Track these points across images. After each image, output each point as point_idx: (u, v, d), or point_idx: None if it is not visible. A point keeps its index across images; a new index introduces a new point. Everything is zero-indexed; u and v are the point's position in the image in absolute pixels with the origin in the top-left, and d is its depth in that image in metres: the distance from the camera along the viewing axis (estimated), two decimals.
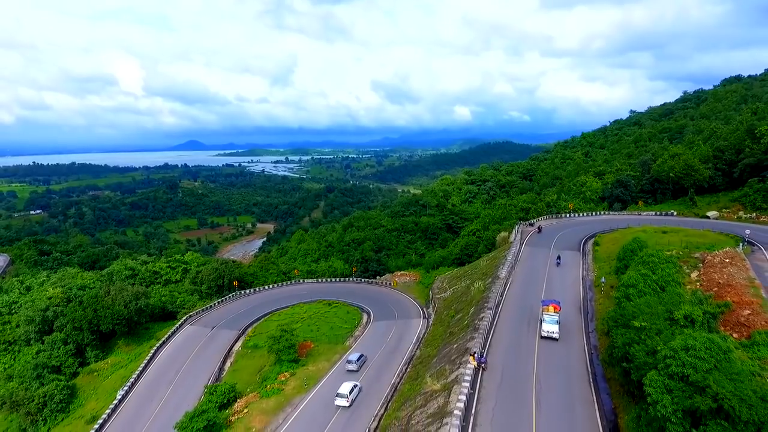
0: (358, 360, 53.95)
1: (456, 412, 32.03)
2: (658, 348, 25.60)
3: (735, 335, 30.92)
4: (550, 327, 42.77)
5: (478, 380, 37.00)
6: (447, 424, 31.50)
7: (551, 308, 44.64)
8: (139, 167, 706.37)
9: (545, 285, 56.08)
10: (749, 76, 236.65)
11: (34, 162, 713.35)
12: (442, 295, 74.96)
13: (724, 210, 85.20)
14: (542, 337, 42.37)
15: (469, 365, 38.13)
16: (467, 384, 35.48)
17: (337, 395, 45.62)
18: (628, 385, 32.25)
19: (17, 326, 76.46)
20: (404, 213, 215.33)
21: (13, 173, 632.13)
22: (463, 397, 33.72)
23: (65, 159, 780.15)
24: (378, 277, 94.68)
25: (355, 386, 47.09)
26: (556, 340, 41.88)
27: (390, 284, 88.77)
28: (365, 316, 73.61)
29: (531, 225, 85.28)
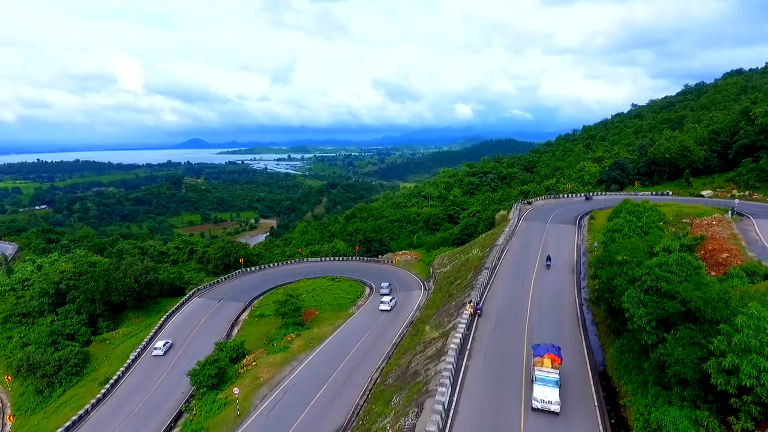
0: (388, 286, 72.45)
1: (452, 345, 34.29)
2: (637, 275, 27.79)
3: (713, 273, 33.08)
4: (545, 392, 26.39)
5: (474, 324, 39.31)
6: (444, 360, 33.73)
7: (546, 361, 28.08)
8: (143, 164, 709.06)
9: (541, 251, 58.11)
10: (750, 70, 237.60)
11: (38, 159, 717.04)
12: (443, 270, 77.18)
13: (718, 189, 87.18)
14: (533, 410, 26.66)
15: (465, 312, 40.38)
16: (463, 326, 37.73)
17: (381, 303, 65.07)
18: (614, 321, 34.54)
19: (31, 299, 78.96)
20: (406, 204, 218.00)
21: (18, 170, 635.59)
22: (459, 335, 35.99)
23: (68, 157, 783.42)
24: (380, 256, 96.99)
25: (393, 298, 66.63)
26: (557, 414, 26.25)
27: (392, 262, 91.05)
28: (367, 289, 75.95)
29: (529, 204, 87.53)
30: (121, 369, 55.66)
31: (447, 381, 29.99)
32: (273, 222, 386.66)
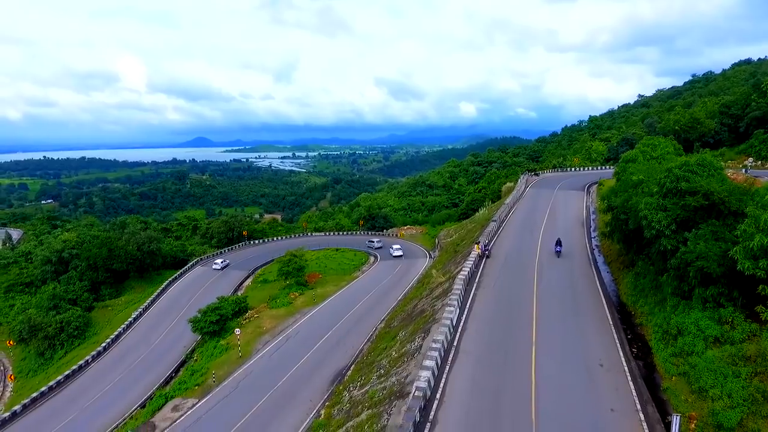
0: (379, 241, 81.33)
1: (460, 276, 33.20)
2: (654, 190, 26.59)
3: None
4: None
5: (482, 263, 38.18)
6: (451, 291, 32.61)
7: None
8: (148, 162, 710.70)
9: (549, 210, 56.95)
10: (759, 60, 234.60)
11: (44, 157, 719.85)
12: (448, 239, 75.97)
13: (729, 161, 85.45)
14: None
15: (473, 253, 39.27)
16: (471, 263, 36.66)
17: (391, 249, 73.88)
18: (628, 253, 33.34)
19: (34, 269, 78.47)
20: (411, 193, 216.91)
21: (24, 167, 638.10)
22: (467, 269, 34.90)
23: (74, 155, 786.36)
24: (384, 230, 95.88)
25: (400, 247, 74.77)
26: None
27: (396, 235, 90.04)
28: (372, 258, 74.95)
29: (536, 175, 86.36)
30: (123, 326, 55.01)
31: (455, 303, 28.94)
32: (277, 216, 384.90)
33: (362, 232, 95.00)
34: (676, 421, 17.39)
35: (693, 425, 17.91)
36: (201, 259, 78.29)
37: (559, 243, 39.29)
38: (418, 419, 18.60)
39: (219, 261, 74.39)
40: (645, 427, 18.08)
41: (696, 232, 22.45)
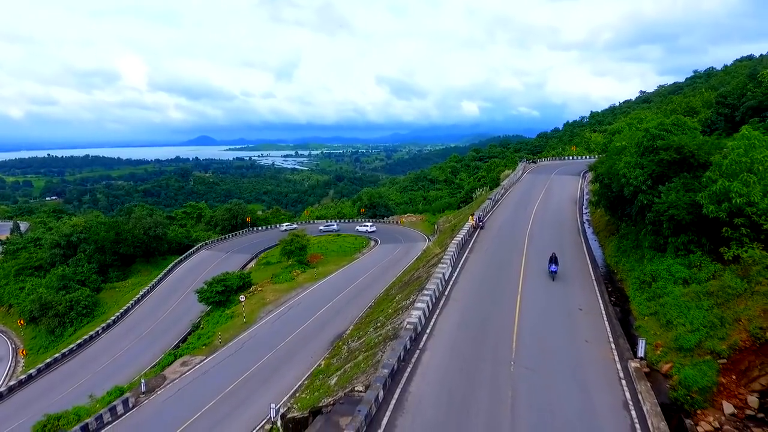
0: (336, 224, 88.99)
1: (454, 242, 34.97)
2: (633, 151, 28.27)
3: None
4: None
5: (476, 234, 39.91)
6: (445, 255, 34.28)
7: None
8: (151, 160, 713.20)
9: (544, 190, 58.65)
10: (761, 55, 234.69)
11: (48, 154, 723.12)
12: (447, 225, 77.70)
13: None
14: None
15: (467, 224, 41.02)
16: (465, 231, 38.42)
17: (366, 227, 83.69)
18: (613, 217, 35.00)
19: (43, 254, 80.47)
20: (413, 188, 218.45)
21: (29, 165, 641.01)
22: (461, 236, 36.67)
23: (78, 153, 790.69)
24: (385, 218, 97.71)
25: (373, 224, 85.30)
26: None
27: (397, 222, 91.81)
28: (372, 243, 76.69)
29: (534, 162, 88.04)
30: (131, 302, 56.99)
31: (448, 261, 30.72)
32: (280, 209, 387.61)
33: (363, 220, 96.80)
34: (641, 344, 19.22)
35: (659, 351, 19.64)
36: (206, 243, 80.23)
37: (554, 261, 28.80)
38: (408, 346, 20.39)
39: (284, 225, 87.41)
40: (615, 353, 19.84)
41: (669, 185, 24.18)
